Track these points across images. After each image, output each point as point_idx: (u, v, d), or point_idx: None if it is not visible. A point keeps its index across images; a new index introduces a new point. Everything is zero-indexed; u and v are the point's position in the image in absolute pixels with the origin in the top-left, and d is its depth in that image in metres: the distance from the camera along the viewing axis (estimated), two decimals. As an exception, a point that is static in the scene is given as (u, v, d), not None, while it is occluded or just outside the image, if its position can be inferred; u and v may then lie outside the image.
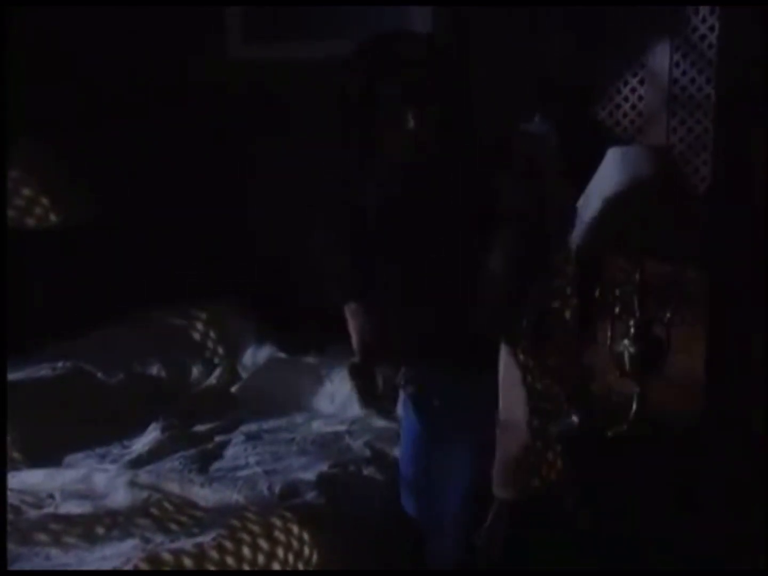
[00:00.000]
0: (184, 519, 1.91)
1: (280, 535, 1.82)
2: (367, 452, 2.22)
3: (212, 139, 3.11)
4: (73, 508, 1.99)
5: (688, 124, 2.60)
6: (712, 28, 2.53)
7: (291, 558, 1.82)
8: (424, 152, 1.70)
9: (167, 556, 1.72)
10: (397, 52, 1.72)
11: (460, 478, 1.74)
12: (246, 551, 1.78)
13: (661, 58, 2.59)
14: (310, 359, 2.74)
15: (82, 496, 2.04)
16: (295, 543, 1.83)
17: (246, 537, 1.80)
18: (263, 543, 1.81)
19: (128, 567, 1.68)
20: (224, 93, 3.08)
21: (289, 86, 3.00)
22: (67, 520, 1.93)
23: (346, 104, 1.76)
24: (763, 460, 2.41)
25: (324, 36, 2.99)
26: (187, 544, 1.78)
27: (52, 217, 2.82)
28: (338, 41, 2.94)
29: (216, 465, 2.19)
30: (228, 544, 1.77)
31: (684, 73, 2.58)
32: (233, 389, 2.70)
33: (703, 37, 2.55)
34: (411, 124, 1.66)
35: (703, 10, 2.54)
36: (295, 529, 1.84)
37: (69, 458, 2.26)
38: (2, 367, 2.31)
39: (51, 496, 2.04)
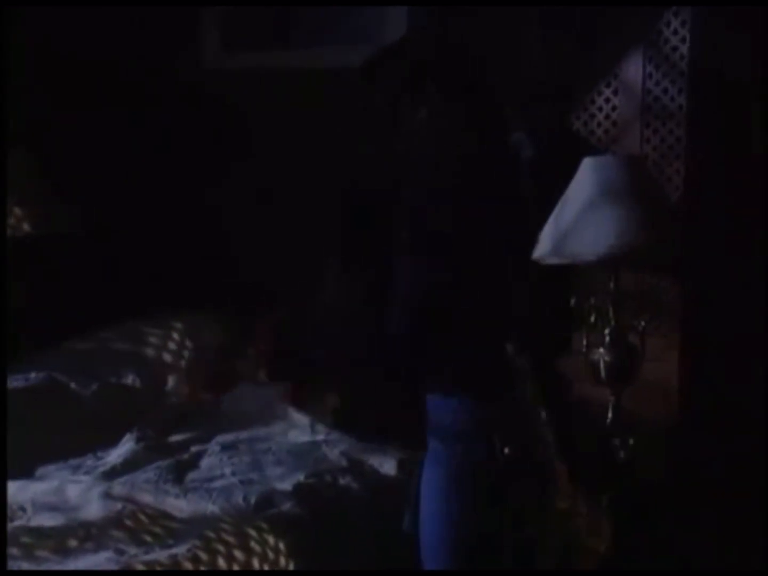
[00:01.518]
0: (158, 530, 1.89)
1: (255, 546, 1.81)
2: (344, 462, 2.22)
3: (190, 150, 3.10)
4: (46, 520, 1.96)
5: (661, 134, 2.63)
6: (683, 40, 2.57)
7: (267, 569, 1.80)
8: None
9: (141, 569, 1.70)
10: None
11: None
12: (221, 562, 1.77)
13: (634, 68, 2.62)
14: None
15: (54, 508, 2.01)
16: (270, 554, 1.82)
17: (221, 548, 1.78)
18: (238, 554, 1.79)
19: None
20: (202, 103, 3.07)
21: (267, 95, 3.00)
22: (39, 533, 1.90)
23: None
24: (738, 465, 2.43)
25: (302, 45, 3.00)
26: (161, 555, 1.76)
27: (26, 227, 2.81)
28: (316, 50, 2.97)
29: (191, 476, 2.17)
30: (203, 555, 1.76)
31: (657, 83, 2.61)
32: (209, 399, 2.68)
33: (674, 48, 2.58)
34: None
35: (675, 21, 2.57)
36: (271, 539, 1.82)
37: (41, 470, 2.23)
38: (2, 367, 2.29)
39: (22, 509, 2.01)
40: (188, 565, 1.73)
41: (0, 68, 2.64)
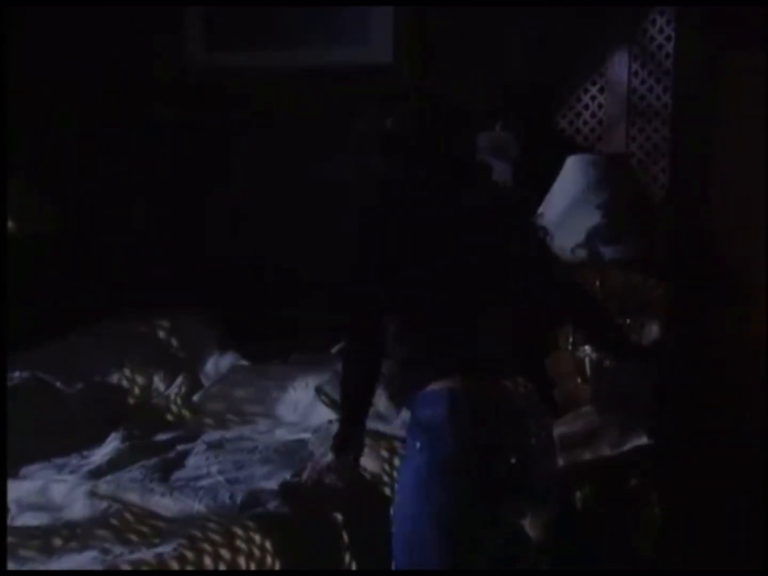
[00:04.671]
0: (144, 529, 1.88)
1: (241, 545, 1.80)
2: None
3: (176, 148, 3.09)
4: (30, 520, 1.95)
5: (646, 133, 2.64)
6: (668, 38, 2.58)
7: (253, 568, 1.79)
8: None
9: (127, 568, 1.69)
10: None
11: None
12: (207, 561, 1.76)
13: (620, 67, 2.64)
14: (274, 367, 2.72)
15: (39, 507, 2.00)
16: (257, 552, 1.81)
17: (207, 547, 1.77)
18: (225, 553, 1.78)
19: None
20: (188, 102, 3.06)
21: (252, 94, 2.99)
22: (24, 532, 1.88)
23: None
24: (722, 463, 2.45)
25: (286, 45, 2.99)
26: (147, 555, 1.75)
27: (10, 225, 2.79)
28: (300, 50, 2.97)
29: (177, 474, 2.16)
30: (189, 555, 1.75)
31: (642, 82, 2.63)
32: (195, 397, 2.68)
33: (660, 47, 2.60)
34: None
35: (660, 20, 2.59)
36: (258, 538, 1.81)
37: (25, 469, 2.21)
38: (2, 367, 2.27)
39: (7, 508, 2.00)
40: (174, 565, 1.71)
41: (1, 68, 2.63)
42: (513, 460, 1.74)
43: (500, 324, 1.82)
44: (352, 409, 1.84)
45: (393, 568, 1.78)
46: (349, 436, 1.83)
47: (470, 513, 1.69)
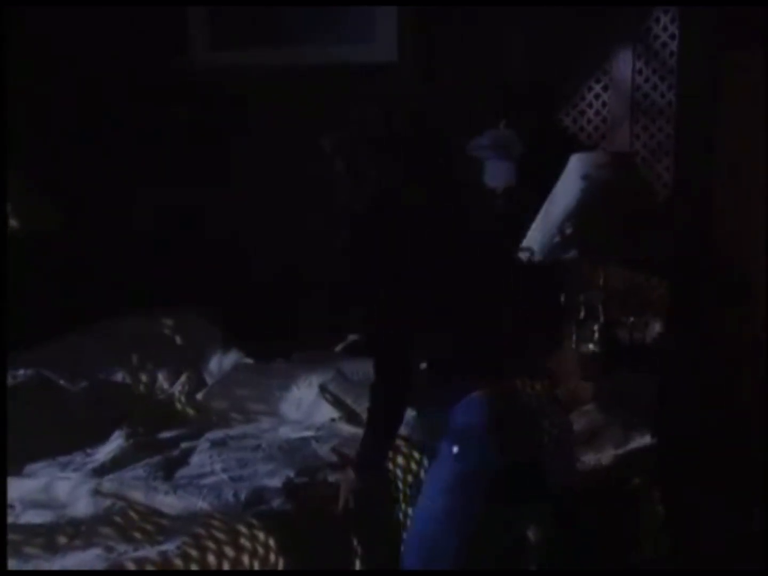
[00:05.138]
0: (148, 527, 1.88)
1: (245, 543, 1.80)
2: (334, 458, 2.21)
3: (179, 147, 3.09)
4: (34, 517, 1.95)
5: (650, 131, 2.64)
6: (673, 36, 2.57)
7: (257, 566, 1.80)
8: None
9: (131, 566, 1.69)
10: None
11: None
12: (211, 559, 1.76)
13: (624, 65, 2.63)
14: (277, 365, 2.72)
15: (43, 505, 2.00)
16: (260, 550, 1.81)
17: (211, 545, 1.77)
18: (229, 550, 1.78)
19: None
20: (192, 100, 3.06)
21: (256, 92, 2.99)
22: (28, 530, 1.88)
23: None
24: (724, 461, 2.45)
25: (289, 42, 2.99)
26: (151, 552, 1.75)
27: (13, 223, 2.79)
28: (304, 47, 2.96)
29: (181, 472, 2.16)
30: (193, 552, 1.75)
31: (646, 80, 2.62)
32: (199, 395, 2.68)
33: (664, 45, 2.59)
34: None
35: (664, 18, 2.58)
36: (261, 536, 1.82)
37: (29, 467, 2.21)
38: (2, 367, 2.28)
39: (11, 506, 2.00)
40: (178, 563, 1.72)
41: (1, 69, 2.63)
42: (536, 464, 1.83)
43: (517, 327, 1.88)
44: (380, 437, 1.89)
45: (403, 565, 1.80)
46: (375, 460, 1.89)
47: (497, 518, 1.77)
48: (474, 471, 1.75)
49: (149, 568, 1.69)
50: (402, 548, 1.88)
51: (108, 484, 2.04)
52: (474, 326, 1.84)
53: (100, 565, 1.71)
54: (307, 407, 2.53)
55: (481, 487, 1.75)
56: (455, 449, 1.76)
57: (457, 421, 1.78)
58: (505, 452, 1.76)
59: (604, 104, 2.68)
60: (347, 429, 2.36)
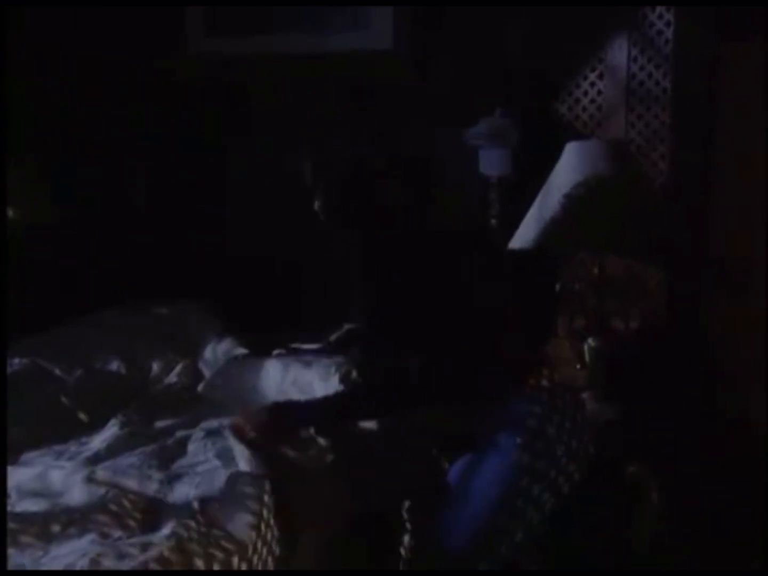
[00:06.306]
0: (142, 515, 1.88)
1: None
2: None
3: (177, 137, 3.09)
4: (29, 506, 1.95)
5: (645, 119, 2.63)
6: (668, 24, 2.56)
7: (256, 556, 1.80)
8: None
9: (130, 551, 1.69)
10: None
11: None
12: (201, 549, 1.76)
13: (619, 53, 2.62)
14: (273, 357, 2.72)
15: (38, 493, 2.00)
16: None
17: (203, 529, 1.77)
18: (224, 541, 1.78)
19: (85, 560, 1.66)
20: (187, 88, 3.05)
21: (251, 80, 2.99)
22: (24, 519, 1.89)
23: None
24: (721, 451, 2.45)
25: (284, 29, 2.98)
26: (144, 539, 1.75)
27: (10, 214, 2.79)
28: (300, 35, 2.95)
29: (176, 461, 2.16)
30: (184, 533, 1.75)
31: (642, 68, 2.61)
32: (199, 388, 2.68)
33: (659, 33, 2.58)
34: None
35: (660, 5, 2.57)
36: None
37: (24, 456, 2.22)
38: (2, 366, 2.28)
39: (7, 496, 2.01)
40: (173, 556, 1.71)
41: (1, 68, 2.62)
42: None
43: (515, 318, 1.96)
44: (339, 413, 2.03)
45: (448, 541, 1.90)
46: (308, 420, 2.05)
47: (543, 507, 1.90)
48: (536, 460, 1.87)
49: (147, 553, 1.69)
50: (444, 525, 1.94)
51: (102, 472, 2.04)
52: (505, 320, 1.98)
53: (94, 550, 1.72)
54: (303, 396, 2.52)
55: (539, 478, 1.87)
56: (518, 440, 1.87)
57: (519, 411, 1.91)
58: (559, 441, 1.89)
59: (599, 92, 2.67)
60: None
